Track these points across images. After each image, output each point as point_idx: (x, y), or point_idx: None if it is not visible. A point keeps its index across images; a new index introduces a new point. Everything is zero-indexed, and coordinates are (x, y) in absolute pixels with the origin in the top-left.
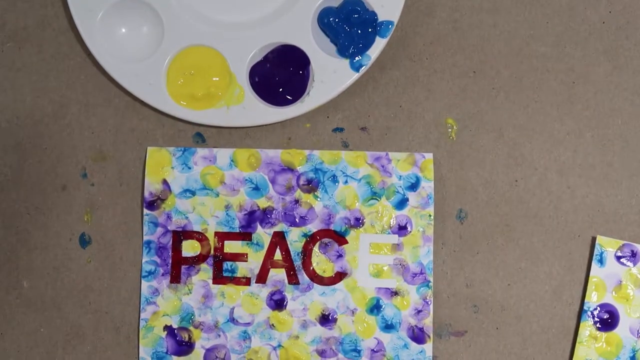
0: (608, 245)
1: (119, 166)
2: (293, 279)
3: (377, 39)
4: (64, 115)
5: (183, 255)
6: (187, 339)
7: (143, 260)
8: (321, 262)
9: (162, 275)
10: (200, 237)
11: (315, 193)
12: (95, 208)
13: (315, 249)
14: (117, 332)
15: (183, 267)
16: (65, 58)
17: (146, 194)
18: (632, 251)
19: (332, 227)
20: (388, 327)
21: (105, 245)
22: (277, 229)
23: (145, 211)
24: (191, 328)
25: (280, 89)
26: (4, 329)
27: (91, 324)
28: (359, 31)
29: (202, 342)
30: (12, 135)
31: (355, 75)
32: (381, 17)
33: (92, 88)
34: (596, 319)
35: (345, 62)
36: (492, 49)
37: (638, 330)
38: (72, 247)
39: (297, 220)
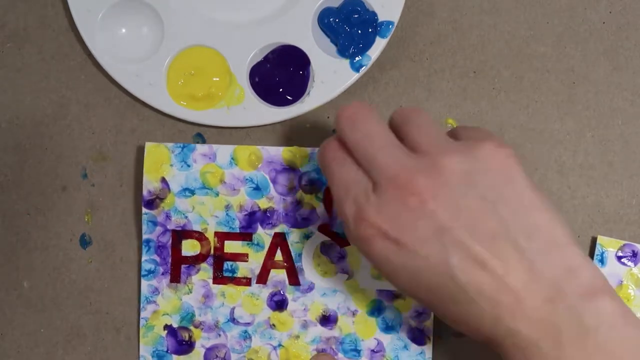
0: (609, 246)
1: (119, 166)
2: (294, 280)
3: (377, 39)
4: (64, 116)
5: (183, 255)
6: (187, 338)
7: (143, 259)
8: (322, 264)
9: (162, 274)
10: (200, 236)
11: (318, 194)
12: (95, 209)
13: (317, 250)
14: (118, 332)
15: (183, 266)
16: (65, 58)
17: (145, 192)
18: (633, 251)
19: (334, 229)
20: (388, 328)
21: (106, 245)
22: (277, 229)
23: (144, 210)
24: (191, 327)
25: (280, 89)
26: (4, 329)
27: (91, 325)
28: (359, 31)
29: (202, 341)
30: (12, 136)
31: (356, 76)
32: (381, 17)
33: (92, 88)
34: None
35: (346, 62)
36: (492, 49)
37: None
38: (73, 248)
39: (298, 221)
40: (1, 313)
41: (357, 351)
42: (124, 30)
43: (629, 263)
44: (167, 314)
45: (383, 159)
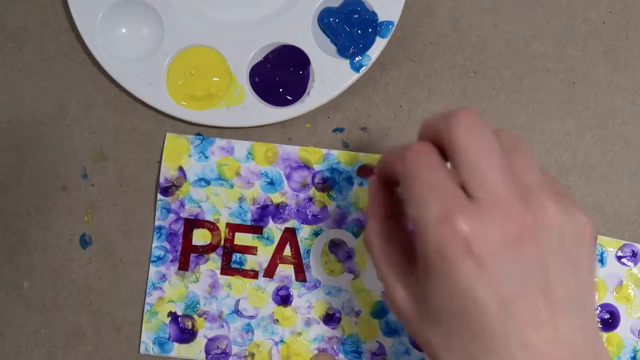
0: (609, 245)
1: (119, 166)
2: (300, 276)
3: (377, 39)
4: (64, 116)
5: (193, 244)
6: (190, 327)
7: (153, 245)
8: (330, 262)
9: (171, 261)
10: (212, 226)
11: (330, 193)
12: (95, 209)
13: (325, 247)
14: (118, 332)
15: (192, 255)
16: (65, 58)
17: (161, 179)
18: (633, 251)
19: (343, 228)
20: (391, 332)
21: (106, 246)
22: (288, 224)
23: (159, 196)
24: (195, 316)
25: (280, 89)
26: (4, 329)
27: (91, 325)
28: (359, 31)
29: (205, 331)
30: (12, 136)
31: (356, 76)
32: (381, 17)
33: (92, 88)
34: (597, 319)
35: (346, 62)
36: (492, 49)
37: (639, 330)
38: (73, 248)
39: (309, 217)
40: (1, 313)
41: (359, 353)
42: (124, 30)
43: (629, 263)
44: (172, 301)
45: (495, 177)
